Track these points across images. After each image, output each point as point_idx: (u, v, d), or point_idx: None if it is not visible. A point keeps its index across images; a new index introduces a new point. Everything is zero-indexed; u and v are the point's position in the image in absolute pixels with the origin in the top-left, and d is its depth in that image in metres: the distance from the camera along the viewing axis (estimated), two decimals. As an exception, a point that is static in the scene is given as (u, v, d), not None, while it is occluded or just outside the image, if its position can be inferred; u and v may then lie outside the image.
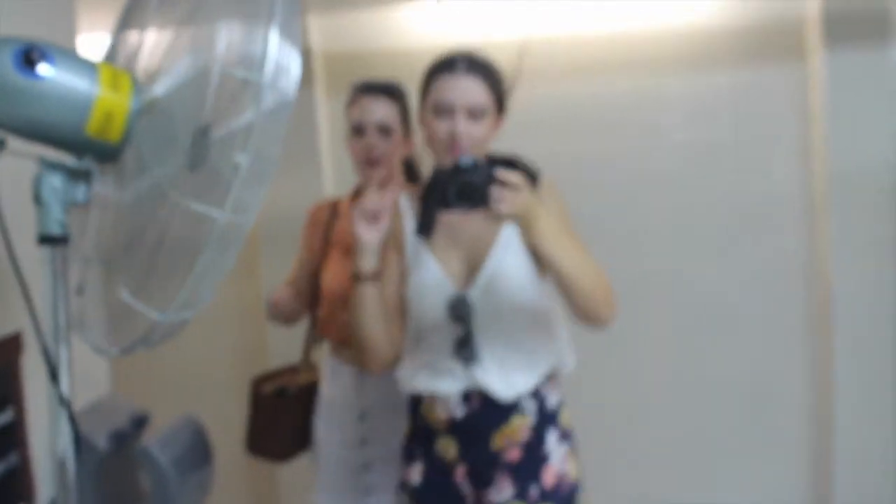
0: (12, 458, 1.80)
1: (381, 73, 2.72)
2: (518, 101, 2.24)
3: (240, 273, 1.32)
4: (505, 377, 2.15)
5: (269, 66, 1.30)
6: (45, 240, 1.49)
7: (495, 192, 1.93)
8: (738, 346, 3.70)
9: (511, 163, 2.07)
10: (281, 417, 2.75)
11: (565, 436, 2.23)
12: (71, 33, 2.19)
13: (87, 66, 1.47)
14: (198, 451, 2.11)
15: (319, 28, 3.60)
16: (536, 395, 2.18)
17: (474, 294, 2.13)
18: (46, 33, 1.53)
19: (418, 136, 2.35)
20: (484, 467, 2.17)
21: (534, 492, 2.15)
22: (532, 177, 2.08)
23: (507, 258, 2.14)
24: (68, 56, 1.46)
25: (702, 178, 3.62)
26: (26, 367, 1.86)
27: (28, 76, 1.40)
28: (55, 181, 1.49)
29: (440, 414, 2.19)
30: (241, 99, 1.35)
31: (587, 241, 2.18)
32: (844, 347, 3.48)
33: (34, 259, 1.54)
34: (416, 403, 2.27)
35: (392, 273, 2.24)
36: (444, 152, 2.11)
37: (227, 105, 1.37)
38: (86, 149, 1.49)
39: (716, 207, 3.65)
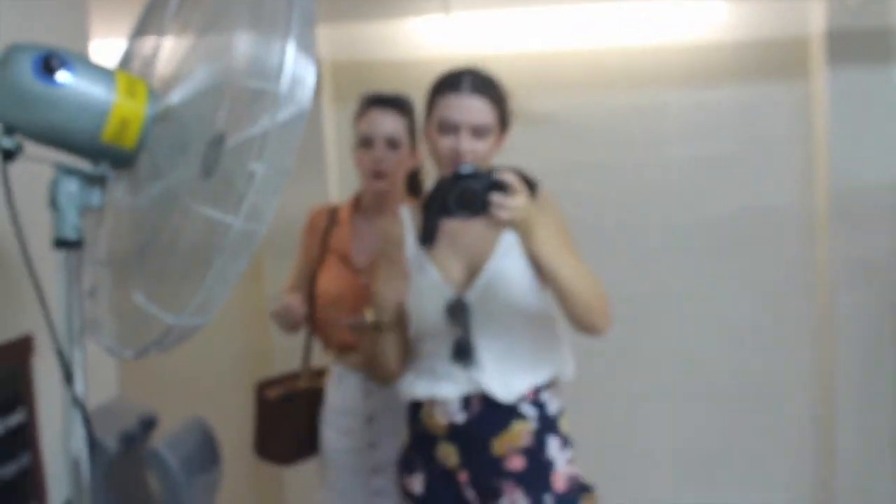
0: (24, 459, 1.82)
1: (389, 84, 2.75)
2: (523, 113, 2.27)
3: (244, 278, 1.34)
4: (504, 380, 2.17)
5: (286, 77, 1.33)
6: (61, 244, 1.52)
7: (495, 198, 1.97)
8: (740, 355, 3.72)
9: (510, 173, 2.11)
10: (285, 422, 2.77)
11: (566, 443, 2.25)
12: (84, 39, 2.22)
13: (105, 74, 1.49)
14: (206, 453, 2.12)
15: (327, 38, 3.63)
16: (537, 401, 2.20)
17: (472, 297, 2.16)
18: (59, 39, 1.55)
19: (424, 148, 2.38)
20: (487, 475, 2.19)
21: (548, 501, 2.17)
22: (530, 188, 2.12)
23: (507, 263, 2.16)
24: (86, 63, 1.48)
25: (704, 192, 3.66)
26: (38, 368, 1.88)
27: (47, 83, 1.43)
28: (71, 186, 1.51)
29: (440, 420, 2.20)
30: (256, 109, 1.37)
31: (589, 251, 2.21)
32: (846, 356, 3.51)
33: (46, 262, 1.57)
34: (416, 411, 2.28)
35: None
36: (447, 168, 2.14)
37: (242, 114, 1.40)
38: (101, 155, 1.52)
39: (717, 221, 3.68)
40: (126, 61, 1.71)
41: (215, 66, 1.47)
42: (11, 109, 1.45)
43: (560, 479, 2.20)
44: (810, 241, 3.67)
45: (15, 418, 1.80)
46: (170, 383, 3.24)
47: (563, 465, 2.21)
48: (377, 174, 2.61)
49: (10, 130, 1.46)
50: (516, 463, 2.17)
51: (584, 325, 2.14)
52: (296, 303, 2.63)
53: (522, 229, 2.02)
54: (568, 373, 2.28)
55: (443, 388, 2.19)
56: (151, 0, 1.71)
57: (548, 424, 2.21)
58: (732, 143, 3.66)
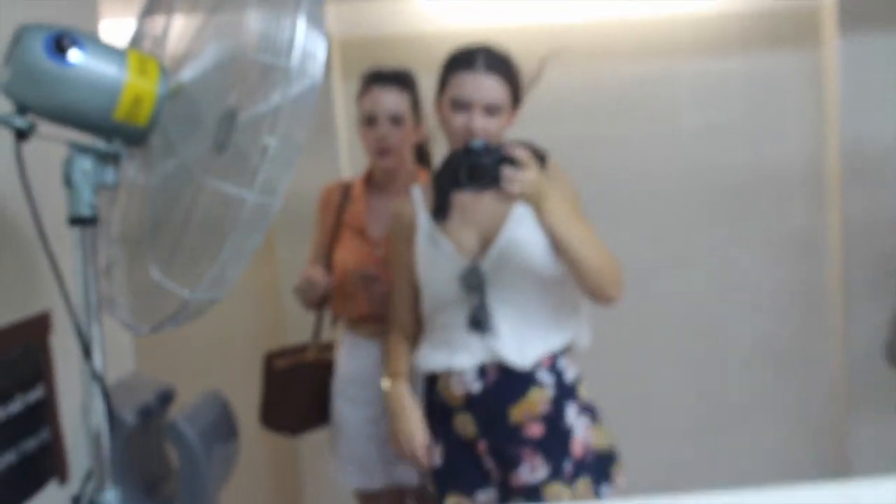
0: (44, 434, 1.85)
1: (397, 59, 2.76)
2: (535, 83, 2.28)
3: (257, 253, 1.36)
4: (520, 346, 2.19)
5: (297, 52, 1.34)
6: (76, 221, 1.53)
7: (506, 172, 1.99)
8: (754, 319, 3.74)
9: (520, 147, 2.13)
10: (293, 391, 2.79)
11: (585, 409, 2.27)
12: (94, 20, 2.22)
13: (116, 53, 1.50)
14: (223, 426, 2.14)
15: (335, 14, 3.63)
16: (554, 368, 2.22)
17: (487, 265, 2.18)
18: (70, 20, 1.56)
19: (430, 121, 2.39)
20: (505, 443, 2.21)
21: (568, 467, 2.20)
22: (540, 160, 2.13)
23: (521, 230, 2.18)
24: (98, 42, 1.49)
25: (715, 160, 3.65)
26: (55, 345, 1.90)
27: (59, 62, 1.44)
28: (85, 164, 1.53)
29: (456, 390, 2.22)
30: (268, 84, 1.38)
31: (601, 220, 2.23)
32: (859, 317, 3.52)
33: (61, 240, 1.58)
34: (432, 384, 2.31)
35: (403, 265, 2.32)
36: (459, 144, 2.15)
37: (254, 90, 1.41)
38: (114, 133, 1.53)
39: (729, 189, 3.68)
40: (136, 41, 1.72)
41: (226, 42, 1.48)
42: (24, 89, 1.46)
43: (579, 445, 2.22)
44: (821, 208, 3.67)
45: (34, 394, 1.82)
46: (183, 358, 3.26)
47: (582, 431, 2.24)
48: (382, 152, 2.62)
49: (23, 110, 1.48)
50: (535, 430, 2.20)
51: (596, 294, 2.16)
52: (318, 275, 2.65)
53: (534, 202, 2.04)
54: (584, 339, 2.30)
55: (459, 359, 2.22)
56: (160, -21, 1.72)
57: (565, 391, 2.23)
58: (744, 111, 3.66)
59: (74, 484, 1.93)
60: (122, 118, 1.50)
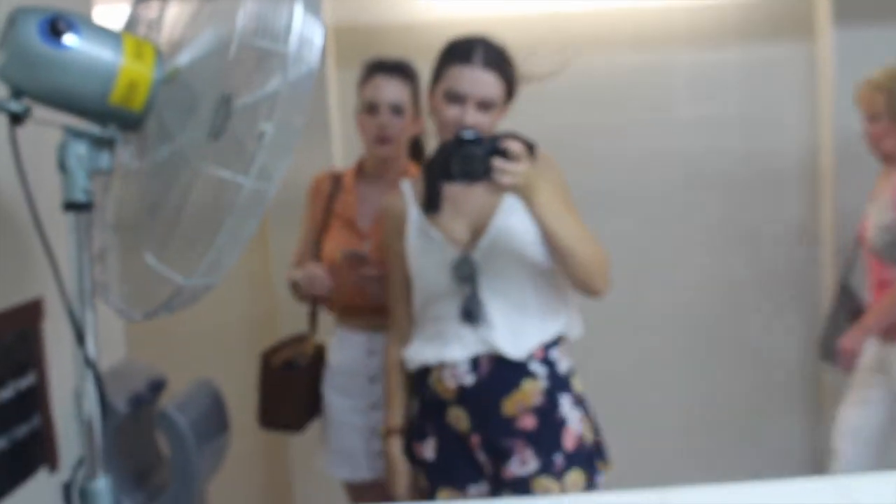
0: (35, 421, 1.84)
1: (391, 47, 2.75)
2: (531, 74, 2.27)
3: (249, 242, 1.36)
4: (513, 336, 2.19)
5: (294, 38, 1.33)
6: (71, 206, 1.52)
7: (497, 164, 1.99)
8: (746, 309, 3.73)
9: (509, 138, 2.12)
10: (291, 390, 2.79)
11: (579, 401, 2.27)
12: (87, 4, 2.21)
13: (112, 37, 1.49)
14: (215, 415, 2.14)
15: (329, 2, 3.62)
16: (546, 359, 2.22)
17: (478, 255, 2.18)
18: (64, 3, 1.55)
19: (427, 114, 2.39)
20: (498, 436, 2.21)
21: (558, 461, 2.19)
22: (530, 150, 2.14)
23: (511, 220, 2.18)
24: (93, 26, 1.48)
25: (710, 151, 3.65)
26: (47, 332, 1.89)
27: (54, 46, 1.43)
28: (80, 149, 1.51)
29: (449, 383, 2.22)
30: (265, 69, 1.37)
31: (594, 210, 2.23)
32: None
33: (54, 226, 1.57)
34: (424, 377, 2.30)
35: (397, 260, 2.33)
36: (450, 135, 2.15)
37: (250, 75, 1.40)
38: (109, 118, 1.52)
39: (723, 180, 3.67)
40: (131, 25, 1.71)
41: (222, 27, 1.47)
42: (19, 73, 1.45)
43: (571, 437, 2.22)
44: (815, 201, 3.67)
45: (26, 381, 1.81)
46: (174, 346, 3.25)
47: (575, 423, 2.24)
48: (382, 140, 2.62)
49: (17, 94, 1.46)
50: (527, 422, 2.19)
51: (583, 286, 2.17)
52: (320, 272, 2.64)
53: (524, 194, 2.04)
54: (576, 331, 2.30)
55: (451, 351, 2.21)
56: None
57: (559, 383, 2.23)
58: (738, 102, 3.66)
59: (65, 471, 1.93)
60: (117, 103, 1.49)
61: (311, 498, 3.61)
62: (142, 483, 2.08)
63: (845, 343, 3.04)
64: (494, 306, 2.20)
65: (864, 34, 3.42)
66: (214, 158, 1.40)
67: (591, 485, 2.25)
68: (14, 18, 1.42)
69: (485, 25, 2.25)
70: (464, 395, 2.22)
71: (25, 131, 1.49)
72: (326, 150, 3.53)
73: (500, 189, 2.06)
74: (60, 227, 1.57)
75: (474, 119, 2.13)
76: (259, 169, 1.33)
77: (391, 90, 2.61)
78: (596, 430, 2.32)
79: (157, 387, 2.14)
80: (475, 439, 2.23)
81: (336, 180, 2.80)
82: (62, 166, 1.52)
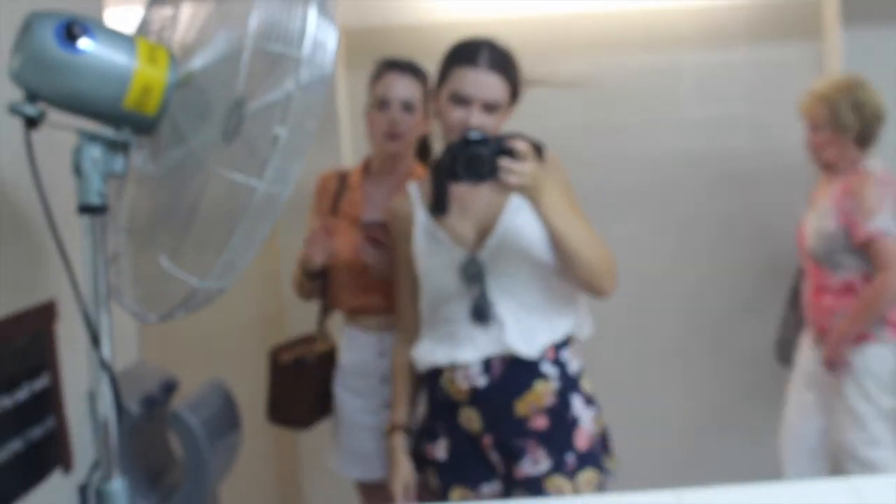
0: (50, 423, 1.85)
1: (398, 49, 2.76)
2: (537, 75, 2.28)
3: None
4: (525, 336, 2.19)
5: (308, 41, 1.34)
6: (86, 209, 1.53)
7: (504, 164, 2.00)
8: (757, 308, 3.73)
9: (516, 138, 2.13)
10: (299, 387, 2.79)
11: (589, 400, 2.28)
12: (98, 8, 2.22)
13: (126, 41, 1.50)
14: (226, 416, 2.15)
15: (341, 4, 3.61)
16: (557, 360, 2.22)
17: (486, 255, 2.18)
18: (75, 7, 1.56)
19: (434, 114, 2.40)
20: (511, 436, 2.21)
21: (570, 460, 2.20)
22: (536, 151, 2.14)
23: (518, 220, 2.18)
24: (108, 30, 1.49)
25: (717, 153, 3.65)
26: (61, 334, 1.91)
27: (69, 50, 1.44)
28: (94, 152, 1.53)
29: (461, 385, 2.22)
30: (278, 73, 1.39)
31: (602, 210, 2.23)
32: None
33: (68, 229, 1.58)
34: (435, 378, 2.30)
35: (404, 263, 2.34)
36: (455, 137, 2.16)
37: (264, 79, 1.41)
38: (124, 121, 1.53)
39: (732, 181, 3.67)
40: (145, 29, 1.72)
41: (235, 31, 1.48)
42: (34, 77, 1.46)
43: (583, 437, 2.23)
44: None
45: (40, 382, 1.82)
46: (184, 347, 3.26)
47: (587, 423, 2.24)
48: (392, 136, 2.63)
49: (33, 97, 1.47)
50: (540, 422, 2.20)
51: (589, 286, 2.18)
52: (318, 229, 2.65)
53: (531, 194, 2.05)
54: (586, 329, 2.31)
55: (463, 353, 2.21)
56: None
57: (570, 383, 2.24)
58: (746, 103, 3.66)
59: (79, 472, 1.94)
60: (131, 106, 1.50)
61: (322, 497, 3.62)
62: (155, 483, 2.09)
63: (830, 358, 3.08)
64: (503, 306, 2.20)
65: (872, 35, 3.42)
66: (228, 162, 1.41)
67: (603, 484, 2.26)
68: (29, 23, 1.44)
69: (492, 28, 2.25)
70: (476, 397, 2.22)
71: (39, 135, 1.50)
72: (335, 151, 3.54)
73: (507, 189, 2.07)
74: (74, 230, 1.58)
75: (479, 121, 2.14)
76: (273, 172, 1.34)
77: (403, 87, 2.63)
78: (605, 429, 2.32)
79: (169, 388, 2.15)
80: (487, 440, 2.23)
81: (342, 179, 2.81)
82: (77, 170, 1.53)
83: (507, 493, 2.25)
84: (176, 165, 1.54)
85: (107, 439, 1.55)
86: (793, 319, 3.35)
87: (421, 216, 2.28)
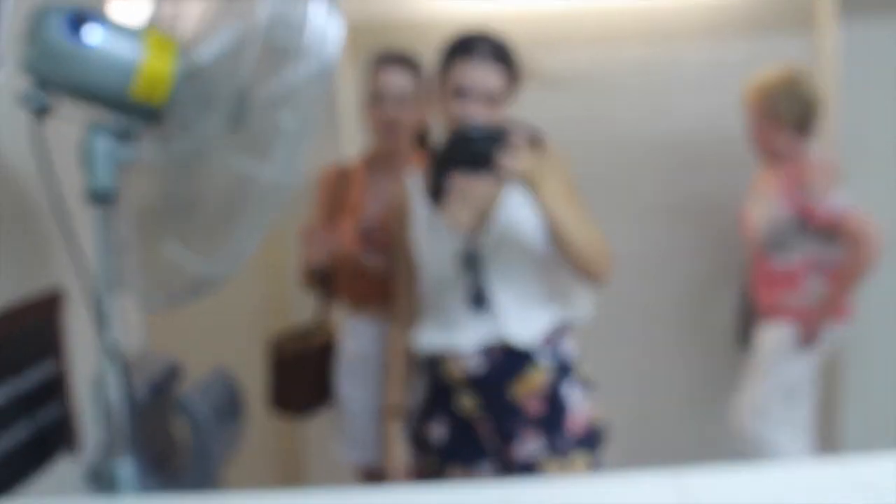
0: (58, 408, 1.87)
1: (398, 42, 2.78)
2: (537, 72, 2.29)
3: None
4: (521, 324, 2.22)
5: (312, 32, 1.37)
6: (94, 198, 1.56)
7: (501, 155, 2.02)
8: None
9: (515, 128, 2.15)
10: (300, 375, 2.81)
11: (585, 386, 2.30)
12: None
13: (134, 32, 1.53)
14: (231, 402, 2.17)
15: (340, -2, 3.62)
16: (553, 346, 2.25)
17: (484, 244, 2.21)
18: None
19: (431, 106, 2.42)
20: (506, 420, 2.24)
21: (564, 444, 2.23)
22: (537, 143, 2.16)
23: (515, 210, 2.21)
24: (116, 22, 1.52)
25: (714, 145, 3.66)
26: (69, 320, 1.93)
27: (78, 41, 1.47)
28: (103, 141, 1.55)
29: (458, 370, 2.25)
30: (284, 63, 1.41)
31: (598, 204, 2.24)
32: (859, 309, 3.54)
33: (75, 217, 1.61)
34: (433, 363, 2.33)
35: (402, 252, 2.37)
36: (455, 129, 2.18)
37: (270, 69, 1.44)
38: (131, 111, 1.56)
39: (727, 176, 3.68)
40: (152, 20, 1.74)
41: (241, 21, 1.50)
42: (44, 67, 1.49)
43: (577, 422, 2.26)
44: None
45: (48, 368, 1.85)
46: (187, 336, 3.27)
47: (581, 408, 2.27)
48: (388, 130, 2.65)
49: (42, 87, 1.50)
50: (535, 407, 2.22)
51: (585, 275, 2.21)
52: (317, 228, 2.68)
53: (528, 185, 2.07)
54: (584, 315, 2.33)
55: (460, 339, 2.24)
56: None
57: (565, 369, 2.26)
58: (741, 97, 3.66)
59: (86, 456, 1.96)
60: (139, 96, 1.52)
61: (325, 483, 3.64)
62: (160, 469, 2.12)
63: (814, 333, 3.13)
64: (501, 294, 2.23)
65: (869, 28, 3.42)
66: (235, 150, 1.44)
67: (596, 468, 2.28)
68: (40, 14, 1.46)
69: (493, 21, 2.27)
70: (472, 381, 2.24)
71: (48, 124, 1.53)
72: (335, 142, 3.55)
73: (505, 181, 2.09)
74: (81, 218, 1.61)
75: (478, 113, 2.16)
76: (278, 160, 1.37)
77: (397, 80, 2.64)
78: (600, 415, 2.35)
79: (174, 375, 2.17)
80: (483, 423, 2.26)
81: (344, 173, 2.82)
82: (86, 158, 1.55)
83: (501, 474, 2.28)
84: (183, 154, 1.56)
85: (115, 421, 1.58)
86: (747, 305, 3.40)
87: (420, 205, 2.31)
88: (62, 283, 1.91)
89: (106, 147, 1.55)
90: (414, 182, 2.35)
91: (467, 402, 2.26)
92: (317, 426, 3.06)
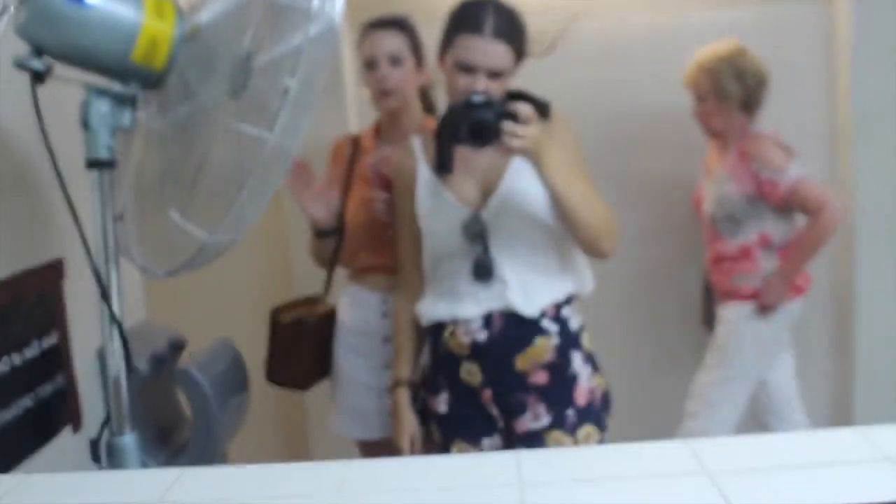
0: (59, 380, 1.85)
1: (402, 10, 2.73)
2: (543, 35, 2.26)
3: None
4: (526, 294, 2.20)
5: (317, -8, 1.33)
6: (94, 164, 1.53)
7: (507, 127, 1.99)
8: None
9: (522, 98, 2.11)
10: (298, 347, 2.79)
11: (589, 357, 2.28)
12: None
13: (133, -7, 1.49)
14: (235, 374, 2.14)
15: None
16: (558, 316, 2.23)
17: (489, 214, 2.18)
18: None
19: (433, 67, 2.38)
20: (510, 391, 2.22)
21: (570, 416, 2.21)
22: (543, 110, 2.13)
23: (520, 181, 2.17)
24: (114, -17, 1.48)
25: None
26: (68, 292, 1.90)
27: (76, 4, 1.43)
28: (102, 107, 1.52)
29: (462, 339, 2.23)
30: (287, 25, 1.38)
31: (606, 172, 2.21)
32: (866, 277, 3.52)
33: (74, 186, 1.58)
34: (437, 333, 2.31)
35: (407, 217, 2.33)
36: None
37: (272, 31, 1.40)
38: (131, 75, 1.53)
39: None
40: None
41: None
42: (40, 31, 1.45)
43: (582, 393, 2.24)
44: (832, 165, 3.65)
45: (49, 340, 1.83)
46: (189, 308, 3.25)
47: (586, 379, 2.25)
48: (384, 93, 2.60)
49: (39, 52, 1.47)
50: (539, 377, 2.21)
51: (590, 248, 2.18)
52: (318, 186, 2.64)
53: (534, 157, 2.05)
54: (588, 287, 2.31)
55: (464, 308, 2.22)
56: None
57: (570, 340, 2.24)
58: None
59: (88, 431, 1.94)
60: (139, 60, 1.49)
61: (331, 457, 3.62)
62: (164, 443, 2.10)
63: (770, 301, 3.13)
64: (505, 264, 2.21)
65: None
66: (237, 115, 1.40)
67: (602, 440, 2.27)
68: (35, -24, 1.43)
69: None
70: (477, 351, 2.23)
71: (43, 91, 1.50)
72: (341, 112, 3.52)
73: (510, 152, 2.06)
74: (80, 187, 1.58)
75: (486, 87, 2.12)
76: (283, 124, 1.33)
77: (387, 42, 2.60)
78: (606, 386, 2.33)
79: (177, 346, 2.15)
80: (487, 393, 2.24)
81: (355, 142, 2.79)
82: (85, 124, 1.53)
83: (507, 447, 2.26)
84: (184, 120, 1.53)
85: (118, 393, 1.55)
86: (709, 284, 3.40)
87: (424, 173, 2.28)
88: (63, 254, 1.89)
89: (105, 112, 1.52)
90: (418, 144, 2.32)
91: (471, 372, 2.24)
92: (322, 399, 3.04)
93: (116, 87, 1.52)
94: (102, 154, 1.52)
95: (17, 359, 1.71)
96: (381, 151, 2.68)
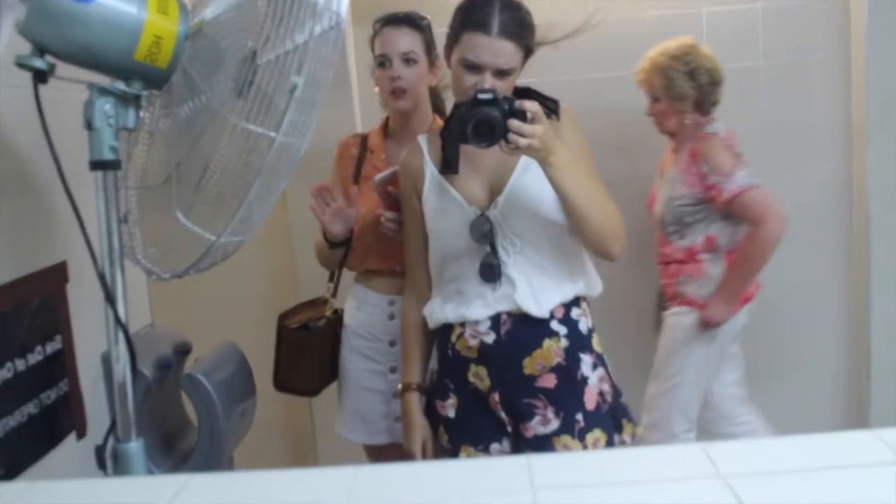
0: (63, 385, 1.83)
1: (409, 5, 2.71)
2: (551, 27, 2.23)
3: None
4: (534, 295, 2.17)
5: (323, -13, 1.31)
6: (98, 165, 1.50)
7: (514, 126, 1.95)
8: (775, 271, 3.68)
9: (530, 95, 2.08)
10: (306, 352, 2.76)
11: (599, 360, 2.25)
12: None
13: (137, -10, 1.47)
14: (241, 379, 2.13)
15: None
16: (567, 318, 2.20)
17: (496, 214, 2.15)
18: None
19: (444, 66, 2.35)
20: (519, 395, 2.19)
21: (579, 420, 2.18)
22: (551, 108, 2.10)
23: (528, 179, 2.15)
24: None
25: (738, 105, 3.58)
26: (72, 296, 1.88)
27: (78, 1, 1.41)
28: (106, 106, 1.50)
29: (471, 341, 2.20)
30: (292, 22, 1.35)
31: (616, 167, 2.18)
32: (881, 271, 3.49)
33: (76, 188, 1.55)
34: (446, 335, 2.29)
35: (414, 217, 2.30)
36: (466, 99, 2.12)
37: (275, 29, 1.38)
38: (135, 74, 1.50)
39: (752, 134, 3.61)
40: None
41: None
42: (42, 29, 1.43)
43: (591, 396, 2.20)
44: (847, 155, 3.62)
45: (53, 345, 1.81)
46: (194, 312, 3.24)
47: (595, 382, 2.22)
48: (396, 92, 2.57)
49: (42, 51, 1.44)
50: (548, 381, 2.18)
51: (597, 249, 2.15)
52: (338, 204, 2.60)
53: (541, 156, 2.01)
54: (596, 288, 2.28)
55: (472, 310, 2.19)
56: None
57: (579, 342, 2.21)
58: (768, 54, 3.60)
59: (93, 437, 1.92)
60: (143, 59, 1.47)
61: (337, 462, 3.59)
62: (170, 448, 2.08)
63: (715, 318, 3.06)
64: (513, 265, 2.18)
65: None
66: (243, 114, 1.38)
67: (611, 444, 2.23)
68: (36, -27, 1.40)
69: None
70: (484, 353, 2.20)
71: (45, 92, 1.47)
72: (348, 110, 3.49)
73: (517, 152, 2.03)
74: (82, 189, 1.55)
75: (492, 86, 2.10)
76: (290, 122, 1.31)
77: (401, 40, 2.57)
78: (616, 389, 2.30)
79: (182, 351, 2.13)
80: (495, 397, 2.21)
81: (362, 142, 2.77)
82: (89, 124, 1.50)
83: (515, 452, 2.23)
84: (189, 119, 1.51)
85: (123, 399, 1.53)
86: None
87: (431, 173, 2.25)
88: (66, 258, 1.86)
89: (109, 112, 1.49)
90: (425, 143, 2.30)
91: (480, 376, 2.21)
92: (329, 404, 3.02)
93: (120, 86, 1.50)
94: (107, 155, 1.49)
95: (20, 364, 1.69)
96: (389, 159, 2.66)
